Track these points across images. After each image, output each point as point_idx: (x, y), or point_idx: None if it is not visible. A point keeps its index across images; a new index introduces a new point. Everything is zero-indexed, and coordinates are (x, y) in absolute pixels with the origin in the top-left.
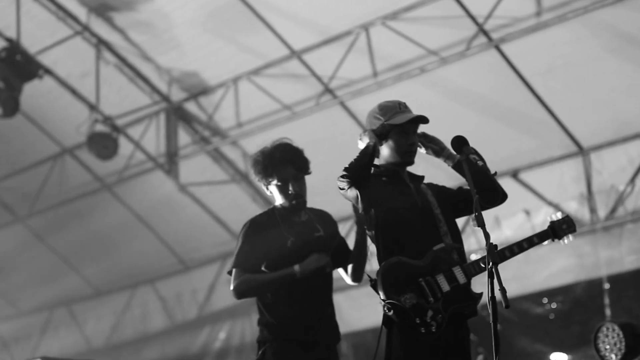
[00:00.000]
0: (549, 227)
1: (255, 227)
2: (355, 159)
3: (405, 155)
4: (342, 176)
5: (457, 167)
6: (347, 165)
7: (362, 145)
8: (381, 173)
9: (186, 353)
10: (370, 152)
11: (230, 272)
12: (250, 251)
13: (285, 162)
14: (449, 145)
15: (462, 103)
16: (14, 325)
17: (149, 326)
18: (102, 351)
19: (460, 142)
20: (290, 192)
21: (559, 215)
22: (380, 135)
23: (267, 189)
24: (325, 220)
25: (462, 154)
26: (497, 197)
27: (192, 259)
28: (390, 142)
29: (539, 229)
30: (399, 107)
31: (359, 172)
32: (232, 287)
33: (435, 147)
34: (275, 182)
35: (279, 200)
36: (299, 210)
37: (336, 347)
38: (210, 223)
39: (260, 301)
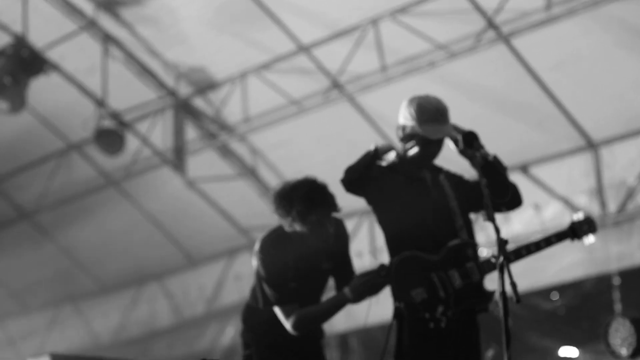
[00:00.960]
0: (569, 227)
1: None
2: (353, 163)
3: (426, 159)
4: (341, 179)
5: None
6: (346, 168)
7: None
8: (397, 165)
9: (194, 349)
10: (367, 160)
11: (265, 305)
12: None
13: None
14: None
15: (471, 97)
16: (20, 322)
17: (156, 322)
18: (109, 348)
19: (471, 138)
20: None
21: (581, 216)
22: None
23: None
24: (338, 234)
25: (472, 149)
26: (507, 192)
27: (200, 254)
28: (414, 147)
29: (548, 224)
30: (436, 117)
31: (352, 176)
32: (289, 327)
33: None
34: (302, 226)
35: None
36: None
37: (321, 342)
38: (218, 219)
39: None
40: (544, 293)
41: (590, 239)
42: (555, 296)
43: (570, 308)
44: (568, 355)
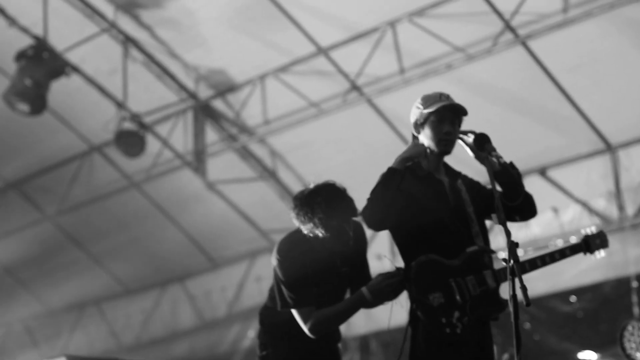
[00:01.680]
0: (582, 240)
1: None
2: (377, 191)
3: (441, 143)
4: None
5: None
6: (371, 196)
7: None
8: (416, 168)
9: (215, 351)
10: (393, 186)
11: (283, 307)
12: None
13: (334, 213)
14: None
15: (489, 100)
16: (44, 322)
17: (178, 324)
18: (132, 349)
19: (482, 140)
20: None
21: (594, 230)
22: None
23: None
24: (357, 238)
25: (484, 151)
26: (518, 195)
27: (221, 256)
28: (426, 131)
29: (567, 227)
30: (440, 97)
31: (377, 217)
32: (307, 329)
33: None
34: (323, 232)
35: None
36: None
37: (337, 345)
38: (239, 221)
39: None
40: (562, 296)
41: (601, 253)
42: (573, 299)
43: (588, 311)
44: (587, 359)
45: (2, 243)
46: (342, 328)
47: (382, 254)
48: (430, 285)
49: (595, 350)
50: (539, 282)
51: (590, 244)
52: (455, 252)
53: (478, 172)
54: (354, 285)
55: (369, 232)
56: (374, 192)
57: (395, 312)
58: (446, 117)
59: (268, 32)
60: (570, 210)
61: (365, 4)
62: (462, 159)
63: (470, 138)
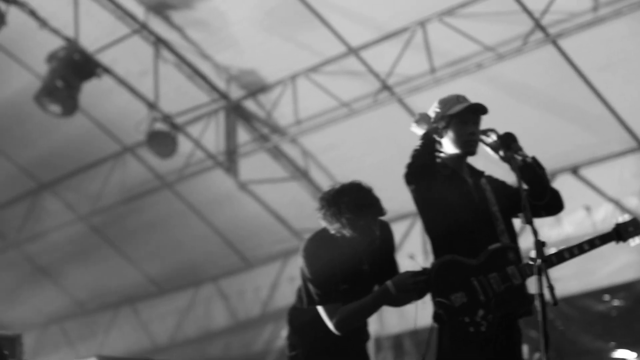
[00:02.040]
0: (614, 229)
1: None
2: (416, 150)
3: (466, 145)
4: (406, 174)
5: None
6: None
7: (416, 130)
8: (439, 168)
9: (249, 351)
10: (430, 140)
11: (309, 304)
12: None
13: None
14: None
15: (520, 99)
16: (79, 323)
17: (211, 324)
18: (166, 349)
19: (509, 140)
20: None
21: (626, 218)
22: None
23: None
24: (384, 238)
25: (510, 150)
26: (545, 194)
27: (255, 256)
28: (450, 133)
29: (599, 226)
30: (457, 99)
31: (420, 162)
32: (332, 326)
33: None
34: (351, 232)
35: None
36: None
37: (365, 344)
38: (271, 221)
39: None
40: (595, 295)
41: (636, 240)
42: (606, 298)
43: (622, 310)
44: (625, 358)
45: (37, 244)
46: (376, 327)
47: (414, 253)
48: (451, 285)
49: (630, 349)
50: (572, 282)
51: (622, 232)
52: (478, 250)
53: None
54: (380, 285)
55: (400, 233)
56: (416, 149)
57: (424, 311)
58: (469, 118)
59: (299, 32)
60: (603, 209)
61: (396, 4)
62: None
63: (491, 137)
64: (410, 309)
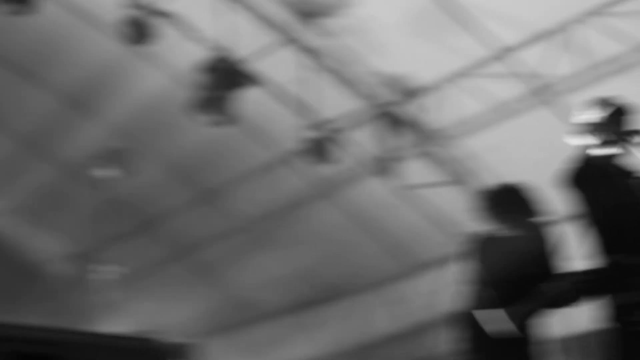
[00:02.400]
0: None
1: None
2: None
3: (621, 146)
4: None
5: None
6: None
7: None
8: (596, 167)
9: (412, 357)
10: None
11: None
12: None
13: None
14: None
15: None
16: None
17: (374, 330)
18: (331, 356)
19: None
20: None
21: None
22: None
23: None
24: (542, 239)
25: None
26: None
27: (416, 262)
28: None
29: None
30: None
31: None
32: (505, 327)
33: None
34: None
35: None
36: None
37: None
38: (430, 226)
39: None
40: None
41: None
42: None
43: None
44: None
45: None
46: (544, 330)
47: (572, 254)
48: (617, 285)
49: None
50: None
51: None
52: None
53: None
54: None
55: (560, 234)
56: None
57: (591, 315)
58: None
59: (447, 35)
60: None
61: (548, 3)
62: None
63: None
64: (577, 312)
